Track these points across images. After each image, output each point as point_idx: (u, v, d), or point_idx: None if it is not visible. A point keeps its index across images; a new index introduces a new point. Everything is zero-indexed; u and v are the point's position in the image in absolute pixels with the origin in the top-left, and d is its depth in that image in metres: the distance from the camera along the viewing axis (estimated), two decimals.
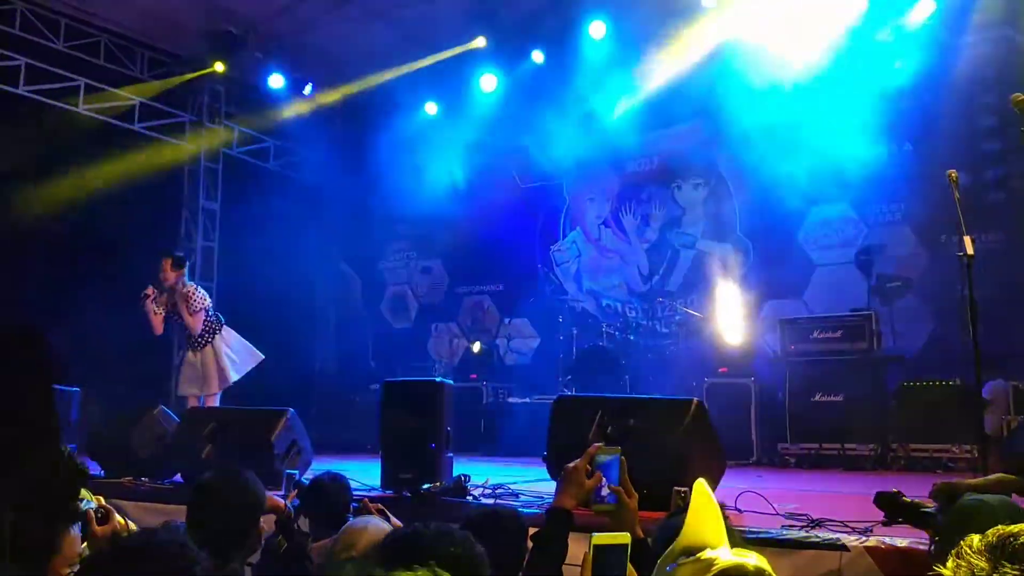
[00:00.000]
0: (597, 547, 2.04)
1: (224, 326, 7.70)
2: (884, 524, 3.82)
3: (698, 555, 1.60)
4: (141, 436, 6.60)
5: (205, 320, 7.56)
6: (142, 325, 7.70)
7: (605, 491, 2.51)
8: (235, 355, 7.62)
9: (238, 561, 2.90)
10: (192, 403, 7.59)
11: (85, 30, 10.49)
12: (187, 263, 7.74)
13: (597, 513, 2.55)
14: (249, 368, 7.73)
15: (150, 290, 7.41)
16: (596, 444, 2.61)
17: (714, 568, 1.56)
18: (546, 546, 2.50)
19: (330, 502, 3.92)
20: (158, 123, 11.42)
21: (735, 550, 1.62)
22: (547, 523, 2.55)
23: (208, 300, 7.65)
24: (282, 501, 3.56)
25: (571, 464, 2.57)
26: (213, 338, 7.59)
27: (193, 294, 7.48)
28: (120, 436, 6.60)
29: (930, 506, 3.17)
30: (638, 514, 2.56)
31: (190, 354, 7.66)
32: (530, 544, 2.63)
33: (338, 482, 4.06)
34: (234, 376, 7.57)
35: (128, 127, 10.97)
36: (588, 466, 2.54)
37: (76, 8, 10.25)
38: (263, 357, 7.80)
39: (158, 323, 7.50)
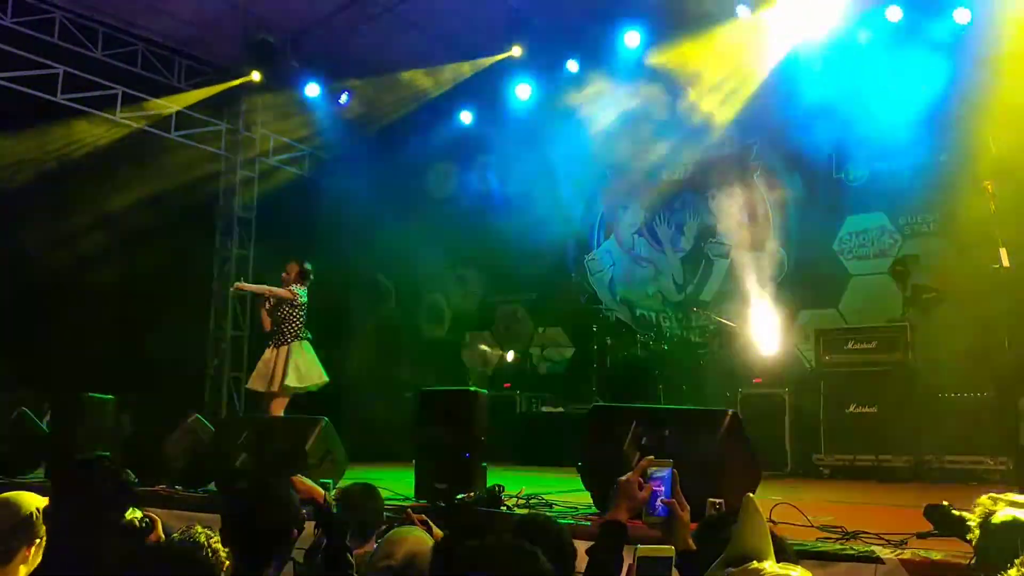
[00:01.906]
0: (641, 559, 2.08)
1: (308, 341, 8.15)
2: (920, 536, 3.80)
3: (745, 566, 1.66)
4: (176, 445, 6.65)
5: (295, 317, 8.10)
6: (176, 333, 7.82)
7: (658, 503, 2.53)
8: (302, 367, 7.99)
9: (274, 569, 2.92)
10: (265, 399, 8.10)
11: (123, 39, 10.66)
12: (311, 275, 8.35)
13: (649, 526, 2.57)
14: (311, 384, 8.08)
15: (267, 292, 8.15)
16: (648, 457, 2.64)
17: None
18: (601, 559, 2.51)
19: (361, 512, 3.92)
20: (195, 131, 11.57)
21: (780, 564, 1.67)
22: (601, 536, 2.56)
23: (302, 300, 8.18)
24: (319, 488, 3.53)
25: (624, 477, 2.59)
26: (294, 341, 8.04)
27: (294, 291, 8.15)
28: (155, 444, 6.66)
29: (974, 519, 3.15)
30: (690, 526, 2.57)
31: (269, 350, 8.10)
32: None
33: (368, 492, 4.08)
34: (292, 383, 7.91)
35: (165, 135, 11.12)
36: (641, 479, 2.56)
37: (114, 17, 10.41)
38: (328, 380, 8.18)
39: (267, 321, 8.14)
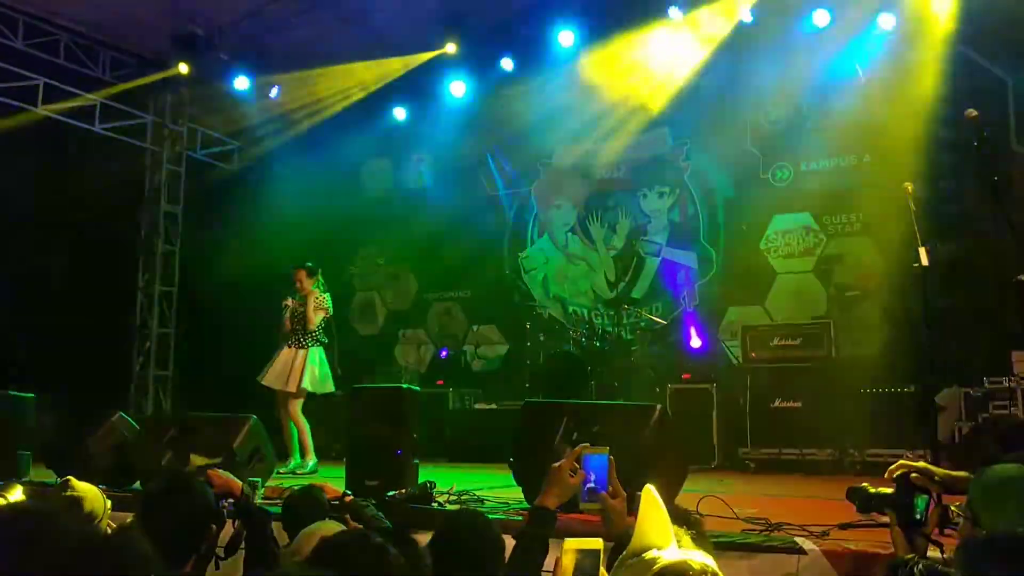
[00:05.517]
0: (569, 552, 2.04)
1: (324, 347, 8.16)
2: (841, 527, 3.93)
3: (642, 555, 1.65)
4: (100, 443, 6.51)
5: (319, 325, 8.11)
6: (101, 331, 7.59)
7: (591, 488, 2.53)
8: (317, 373, 8.01)
9: (195, 568, 2.87)
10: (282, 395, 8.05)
11: (45, 28, 10.29)
12: (319, 271, 8.29)
13: (585, 512, 2.59)
14: (324, 391, 8.13)
15: (289, 301, 8.16)
16: (583, 444, 2.64)
17: (656, 566, 1.60)
18: (527, 544, 2.52)
19: (307, 518, 3.83)
20: (120, 124, 11.27)
21: (683, 549, 1.68)
22: (529, 522, 2.58)
23: (329, 307, 8.19)
24: (237, 481, 3.46)
25: (556, 463, 2.59)
26: (313, 345, 8.05)
27: (320, 296, 8.12)
28: (78, 443, 6.51)
29: (888, 490, 3.27)
30: (626, 513, 2.55)
31: (286, 350, 8.08)
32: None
33: (311, 496, 4.01)
34: (308, 386, 7.92)
35: (89, 128, 10.82)
36: (576, 464, 2.56)
37: (36, 6, 10.04)
38: (332, 391, 8.22)
39: (287, 323, 8.15)
